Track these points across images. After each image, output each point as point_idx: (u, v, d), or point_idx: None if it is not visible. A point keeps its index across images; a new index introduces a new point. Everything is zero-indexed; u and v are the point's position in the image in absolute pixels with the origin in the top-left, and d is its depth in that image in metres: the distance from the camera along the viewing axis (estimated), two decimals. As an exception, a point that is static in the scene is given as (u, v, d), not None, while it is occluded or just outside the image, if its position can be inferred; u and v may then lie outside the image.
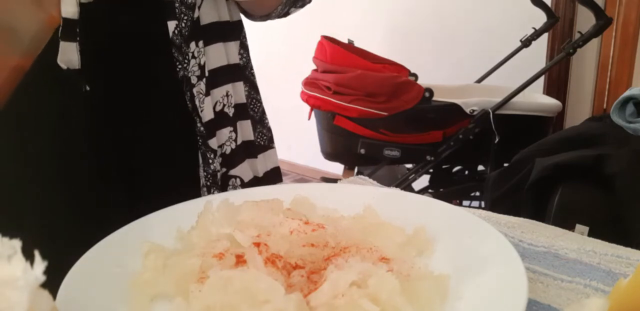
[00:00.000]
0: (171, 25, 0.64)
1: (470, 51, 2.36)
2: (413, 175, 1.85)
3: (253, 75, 0.79)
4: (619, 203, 1.15)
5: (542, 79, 2.02)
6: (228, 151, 0.73)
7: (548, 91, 2.14)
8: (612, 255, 0.50)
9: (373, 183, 0.70)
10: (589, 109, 2.09)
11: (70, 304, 0.39)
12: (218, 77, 0.71)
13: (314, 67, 1.92)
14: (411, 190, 1.91)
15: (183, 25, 0.64)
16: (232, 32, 0.74)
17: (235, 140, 0.75)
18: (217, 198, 0.53)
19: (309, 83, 1.87)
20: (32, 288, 0.27)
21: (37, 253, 0.27)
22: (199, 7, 0.67)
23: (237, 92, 0.75)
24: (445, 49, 2.45)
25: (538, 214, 1.25)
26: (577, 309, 0.31)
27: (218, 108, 0.71)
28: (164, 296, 0.42)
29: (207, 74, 0.68)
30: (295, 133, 2.67)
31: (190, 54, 0.65)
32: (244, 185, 0.76)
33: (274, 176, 0.82)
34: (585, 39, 1.64)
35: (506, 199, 1.40)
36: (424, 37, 2.51)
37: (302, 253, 0.44)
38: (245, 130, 0.77)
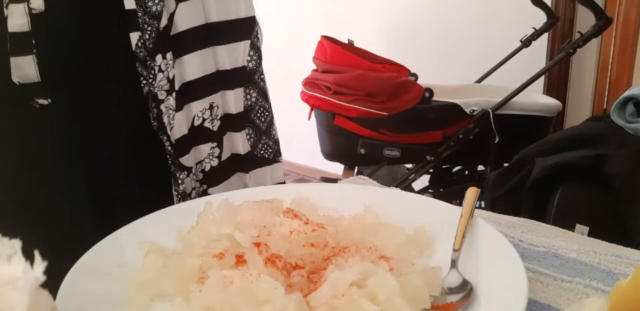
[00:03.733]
0: (134, 37, 0.58)
1: (470, 51, 2.36)
2: (413, 175, 1.85)
3: (263, 80, 0.72)
4: (619, 203, 1.15)
5: (542, 79, 2.02)
6: (208, 168, 0.68)
7: (548, 91, 2.14)
8: (612, 255, 0.50)
9: (373, 183, 0.69)
10: (589, 109, 2.09)
11: (70, 304, 0.39)
12: (198, 88, 0.65)
13: (314, 67, 1.92)
14: (411, 190, 1.91)
15: (147, 36, 0.58)
16: (231, 31, 0.68)
17: (219, 157, 0.69)
18: (217, 198, 0.53)
19: (309, 83, 1.87)
20: (32, 288, 0.27)
21: (37, 254, 0.27)
22: (173, 14, 0.61)
23: (227, 101, 0.68)
24: (445, 49, 2.45)
25: (538, 214, 1.25)
26: (577, 309, 0.31)
27: (197, 122, 0.66)
28: (164, 296, 0.42)
29: (177, 87, 0.62)
30: (296, 133, 2.67)
31: (156, 68, 0.60)
32: None
33: None
34: (585, 39, 1.64)
35: (506, 199, 1.39)
36: (424, 37, 2.51)
37: (302, 253, 0.44)
38: (236, 143, 0.71)
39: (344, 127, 1.83)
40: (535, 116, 1.83)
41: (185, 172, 0.65)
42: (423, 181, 1.98)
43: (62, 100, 0.58)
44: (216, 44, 0.66)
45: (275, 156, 0.75)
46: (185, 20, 0.63)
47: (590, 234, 1.08)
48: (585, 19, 1.94)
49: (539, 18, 1.92)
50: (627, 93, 1.29)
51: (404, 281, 0.39)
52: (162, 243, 0.48)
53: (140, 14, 0.58)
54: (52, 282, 0.33)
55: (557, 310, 0.43)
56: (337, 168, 2.29)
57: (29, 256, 0.27)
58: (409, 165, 2.03)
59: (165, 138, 0.62)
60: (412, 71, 1.95)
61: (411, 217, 0.51)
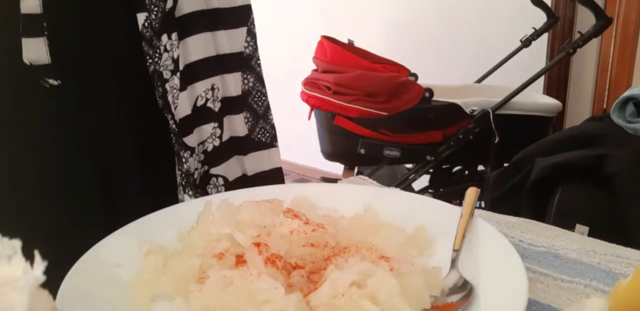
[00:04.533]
0: (140, 17, 0.61)
1: (470, 51, 2.36)
2: (413, 175, 1.85)
3: (259, 65, 0.75)
4: (619, 203, 1.15)
5: (542, 79, 2.02)
6: (210, 148, 0.70)
7: (548, 91, 2.14)
8: (612, 255, 0.50)
9: (373, 183, 0.69)
10: (589, 109, 2.09)
11: (70, 304, 0.39)
12: (200, 70, 0.67)
13: (314, 67, 1.92)
14: (411, 190, 1.91)
15: (153, 17, 0.61)
16: (230, 18, 0.70)
17: (220, 137, 0.71)
18: (217, 198, 0.53)
19: (309, 83, 1.87)
20: (32, 288, 0.27)
21: (37, 253, 0.27)
22: None
23: (226, 84, 0.70)
24: (445, 49, 2.45)
25: (538, 214, 1.25)
26: (577, 309, 0.31)
27: (200, 103, 0.68)
28: (164, 296, 0.42)
29: (181, 67, 0.64)
30: (295, 133, 2.67)
31: (162, 48, 0.62)
32: (229, 184, 0.72)
33: (274, 177, 0.77)
34: (585, 38, 1.64)
35: (506, 199, 1.40)
36: (424, 37, 2.51)
37: (302, 253, 0.44)
38: (235, 125, 0.73)
39: (344, 127, 1.83)
40: (535, 116, 1.83)
41: (189, 152, 0.66)
42: (423, 181, 1.98)
43: (70, 82, 0.60)
44: (217, 29, 0.68)
45: (272, 141, 0.76)
46: (188, 3, 0.65)
47: (590, 234, 1.08)
48: (585, 19, 1.94)
49: (539, 18, 1.92)
50: (627, 93, 1.29)
51: (404, 282, 0.39)
52: (162, 243, 0.48)
53: None
54: (53, 282, 0.33)
55: (557, 310, 0.43)
56: (337, 168, 2.29)
57: (29, 256, 0.27)
58: (409, 165, 2.03)
59: (169, 116, 0.63)
60: (412, 71, 1.95)
61: (411, 217, 0.51)
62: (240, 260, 0.43)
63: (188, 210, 0.53)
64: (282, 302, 0.37)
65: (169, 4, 0.62)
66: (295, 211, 0.50)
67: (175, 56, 0.63)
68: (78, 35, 0.61)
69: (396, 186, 1.02)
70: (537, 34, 1.95)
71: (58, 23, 0.58)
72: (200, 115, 0.68)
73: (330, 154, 2.01)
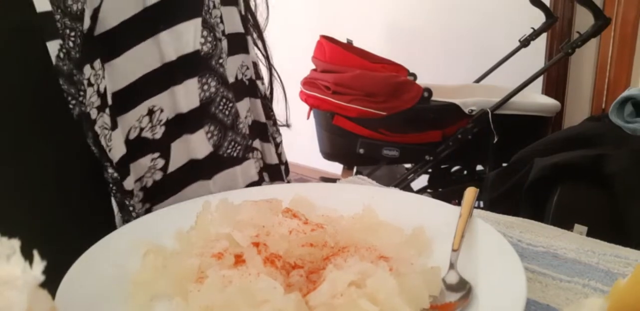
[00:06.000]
0: (53, 46, 0.47)
1: (469, 51, 2.36)
2: (412, 175, 1.85)
3: (222, 65, 0.58)
4: (618, 203, 1.15)
5: (540, 79, 2.02)
6: (149, 183, 0.56)
7: (547, 91, 2.14)
8: (611, 255, 0.50)
9: (372, 183, 0.69)
10: (588, 109, 2.10)
11: (70, 304, 0.39)
12: (132, 94, 0.52)
13: (313, 66, 1.92)
14: (410, 190, 1.91)
15: (71, 44, 0.47)
16: (176, 10, 0.53)
17: (164, 169, 0.56)
18: (216, 198, 0.53)
19: (308, 83, 1.87)
20: (31, 288, 0.27)
21: (36, 253, 0.27)
22: (97, 9, 0.47)
23: (176, 99, 0.55)
24: (444, 48, 2.45)
25: (537, 214, 1.25)
26: (576, 309, 0.31)
27: (133, 135, 0.53)
28: (163, 296, 0.42)
29: (110, 101, 0.50)
30: (295, 133, 2.68)
31: (85, 82, 0.48)
32: None
33: None
34: (584, 39, 1.64)
35: (505, 199, 1.40)
36: (423, 36, 2.51)
37: (301, 253, 0.44)
38: (192, 146, 0.57)
39: (343, 127, 1.83)
40: (534, 116, 1.83)
41: (129, 197, 0.53)
42: (422, 181, 1.98)
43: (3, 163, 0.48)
44: (158, 31, 0.52)
45: (244, 153, 0.62)
46: (115, 13, 0.49)
47: (589, 234, 1.08)
48: (583, 19, 1.94)
49: (538, 18, 1.92)
50: (625, 93, 1.30)
51: (403, 281, 0.39)
52: (161, 243, 0.48)
53: (58, 16, 0.46)
54: (52, 282, 0.33)
55: (556, 309, 0.43)
56: (336, 168, 2.29)
57: (28, 256, 0.27)
58: (408, 165, 2.03)
59: (109, 164, 0.51)
60: (411, 71, 1.95)
61: (410, 217, 0.51)
62: (239, 260, 0.43)
63: (188, 210, 0.53)
64: (281, 302, 0.37)
65: (87, 23, 0.47)
66: (294, 211, 0.50)
67: (102, 89, 0.49)
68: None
69: (395, 186, 1.02)
70: (535, 34, 1.95)
71: None
72: (133, 149, 0.53)
73: (329, 154, 2.01)
